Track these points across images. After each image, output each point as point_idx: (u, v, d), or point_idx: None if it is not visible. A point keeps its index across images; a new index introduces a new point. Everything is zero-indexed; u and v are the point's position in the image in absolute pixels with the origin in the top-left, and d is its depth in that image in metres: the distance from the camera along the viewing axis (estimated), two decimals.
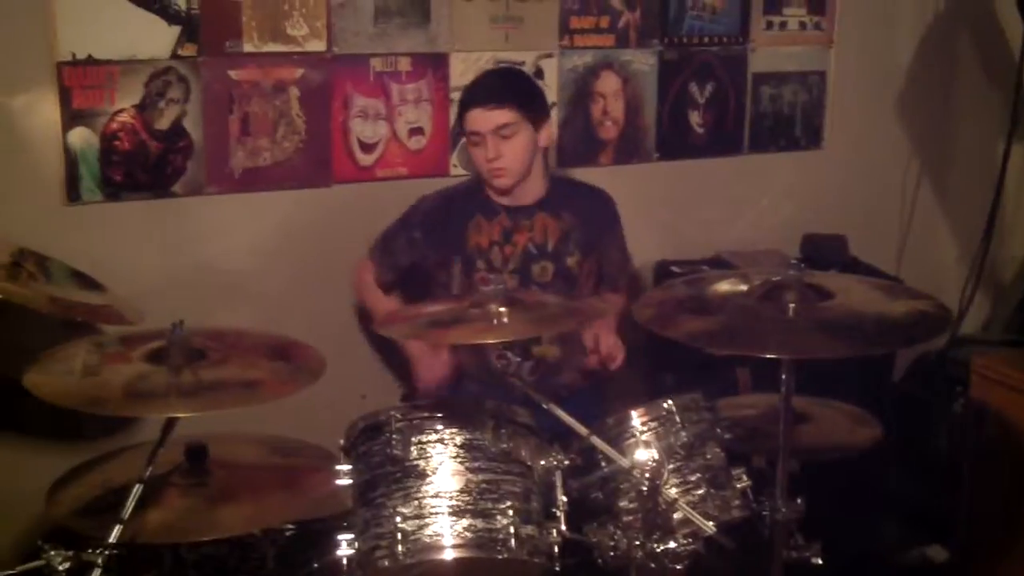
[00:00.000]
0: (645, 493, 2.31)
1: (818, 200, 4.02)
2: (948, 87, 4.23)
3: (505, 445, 2.31)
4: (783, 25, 3.91)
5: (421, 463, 2.26)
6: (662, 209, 3.83)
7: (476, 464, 2.27)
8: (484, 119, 3.01)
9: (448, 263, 3.14)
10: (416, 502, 2.22)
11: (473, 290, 3.08)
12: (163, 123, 3.09)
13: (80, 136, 3.01)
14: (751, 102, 3.91)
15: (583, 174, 3.44)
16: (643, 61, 3.70)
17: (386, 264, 3.22)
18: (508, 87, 3.10)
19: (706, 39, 3.78)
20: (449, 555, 2.19)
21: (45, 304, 2.55)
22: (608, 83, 3.66)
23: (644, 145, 3.77)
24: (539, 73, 3.52)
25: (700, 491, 2.44)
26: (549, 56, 3.54)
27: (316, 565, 2.52)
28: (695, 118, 3.83)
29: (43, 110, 2.96)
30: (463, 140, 3.25)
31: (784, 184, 4.01)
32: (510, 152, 3.03)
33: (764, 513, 2.43)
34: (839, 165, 4.07)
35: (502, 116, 3.00)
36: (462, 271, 3.13)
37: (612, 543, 2.33)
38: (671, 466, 2.43)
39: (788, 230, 3.87)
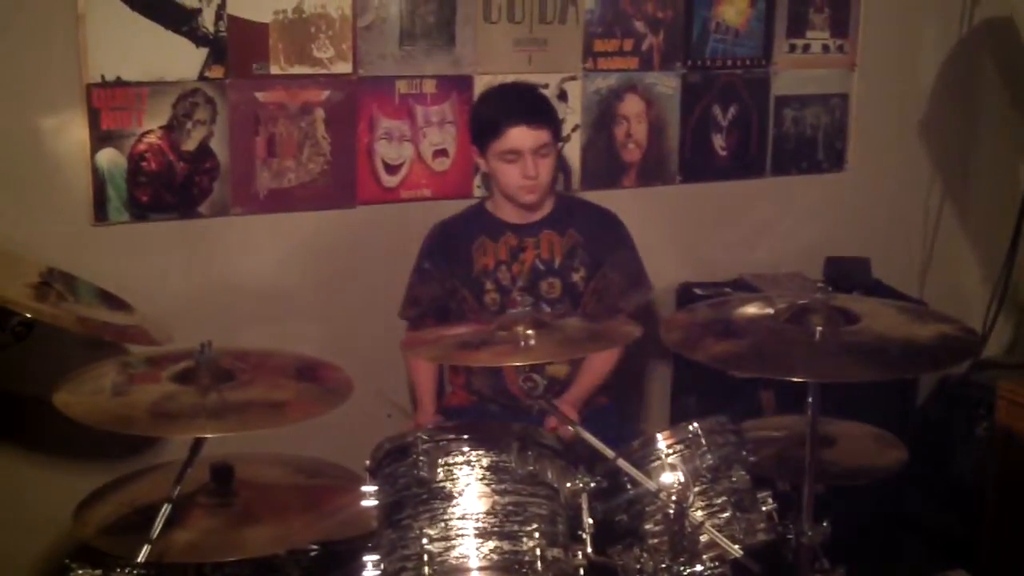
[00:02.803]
0: (671, 516, 2.31)
1: (840, 223, 4.02)
2: (970, 110, 4.22)
3: (531, 467, 2.30)
4: (806, 48, 3.91)
5: (447, 485, 2.26)
6: (685, 232, 3.83)
7: (502, 486, 2.26)
8: (527, 137, 2.99)
9: (457, 290, 3.14)
10: (442, 524, 2.22)
11: (486, 313, 3.08)
12: (190, 144, 3.12)
13: (108, 157, 3.03)
14: (774, 125, 3.91)
15: (606, 196, 3.44)
16: (666, 84, 3.70)
17: (407, 299, 3.22)
18: (545, 108, 3.12)
19: (729, 62, 3.79)
20: None
21: (73, 324, 2.57)
22: (632, 106, 3.67)
23: (667, 168, 3.77)
24: (563, 95, 3.53)
25: (726, 514, 2.43)
26: (573, 79, 3.55)
27: None
28: (718, 141, 3.83)
29: (72, 131, 2.98)
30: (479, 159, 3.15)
31: (806, 207, 4.01)
32: (545, 170, 3.04)
33: (789, 536, 2.43)
34: (862, 188, 4.07)
35: (544, 136, 3.01)
36: (472, 295, 3.13)
37: (638, 566, 2.33)
38: (697, 489, 2.43)
39: (811, 253, 3.87)
